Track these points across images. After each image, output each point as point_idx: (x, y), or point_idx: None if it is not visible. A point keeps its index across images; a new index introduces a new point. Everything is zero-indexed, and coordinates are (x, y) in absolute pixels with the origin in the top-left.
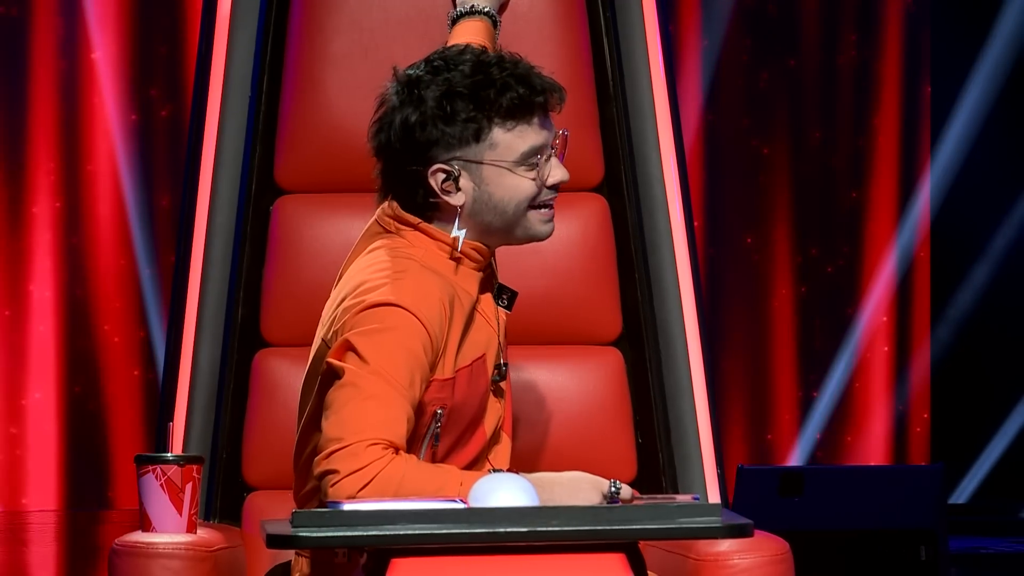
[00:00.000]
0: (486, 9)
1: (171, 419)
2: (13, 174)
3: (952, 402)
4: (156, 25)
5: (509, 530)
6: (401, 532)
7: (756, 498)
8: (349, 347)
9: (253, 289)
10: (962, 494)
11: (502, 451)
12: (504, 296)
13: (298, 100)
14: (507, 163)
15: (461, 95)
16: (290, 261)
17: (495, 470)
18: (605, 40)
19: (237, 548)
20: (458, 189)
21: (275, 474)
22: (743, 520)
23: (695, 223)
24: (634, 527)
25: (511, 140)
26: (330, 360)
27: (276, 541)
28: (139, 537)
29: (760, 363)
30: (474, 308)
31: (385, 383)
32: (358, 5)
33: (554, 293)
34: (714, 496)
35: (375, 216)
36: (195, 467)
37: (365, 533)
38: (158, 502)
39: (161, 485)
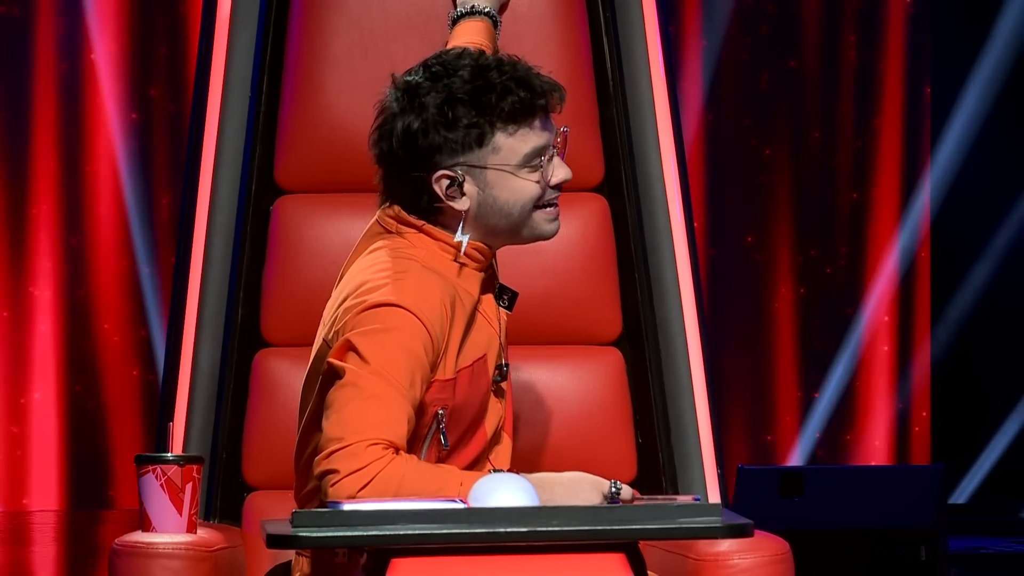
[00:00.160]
0: (486, 9)
1: (171, 419)
2: (14, 174)
3: (952, 402)
4: (156, 25)
5: (509, 530)
6: (401, 532)
7: (756, 498)
8: (350, 347)
9: (253, 289)
10: (962, 494)
11: (503, 451)
12: (505, 296)
13: (298, 100)
14: (510, 166)
15: (462, 101)
16: (290, 261)
17: (495, 470)
18: (605, 40)
19: (237, 548)
20: (462, 194)
21: (275, 474)
22: (743, 520)
23: (695, 223)
24: (634, 527)
25: (514, 143)
26: (331, 360)
27: (276, 541)
28: (139, 537)
29: (760, 363)
30: (475, 308)
31: (386, 383)
32: (358, 5)
33: (554, 293)
34: (714, 496)
35: (376, 216)
36: (195, 467)
37: (365, 533)
38: (158, 502)
39: (161, 485)
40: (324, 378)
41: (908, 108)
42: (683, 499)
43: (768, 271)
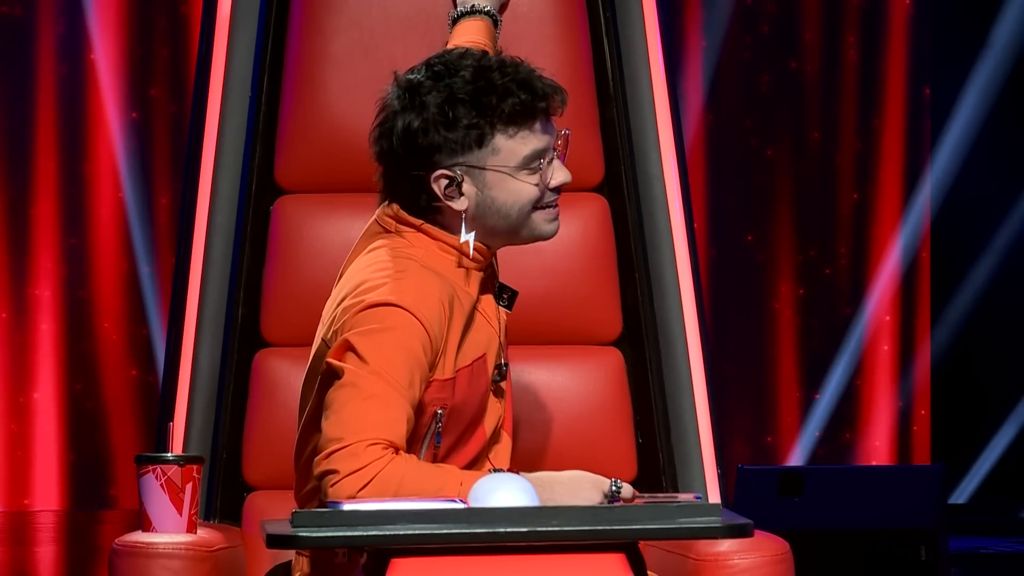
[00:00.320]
0: (487, 9)
1: (171, 419)
2: (14, 174)
3: (952, 402)
4: (157, 25)
5: (509, 530)
6: (401, 532)
7: (756, 498)
8: (349, 347)
9: (253, 289)
10: (962, 494)
11: (502, 450)
12: (505, 296)
13: (298, 100)
14: (509, 168)
15: (463, 101)
16: (290, 261)
17: (495, 470)
18: (605, 40)
19: (237, 548)
20: (461, 194)
21: (275, 474)
22: (743, 520)
23: (695, 223)
24: (634, 527)
25: (513, 146)
26: (330, 360)
27: (276, 541)
28: (139, 537)
29: (760, 363)
30: (474, 308)
31: (385, 383)
32: (358, 5)
33: (554, 293)
34: (714, 496)
35: (375, 216)
36: (195, 467)
37: (365, 533)
38: (158, 502)
39: (161, 485)
40: (323, 378)
41: (908, 108)
42: (684, 497)
43: (768, 271)
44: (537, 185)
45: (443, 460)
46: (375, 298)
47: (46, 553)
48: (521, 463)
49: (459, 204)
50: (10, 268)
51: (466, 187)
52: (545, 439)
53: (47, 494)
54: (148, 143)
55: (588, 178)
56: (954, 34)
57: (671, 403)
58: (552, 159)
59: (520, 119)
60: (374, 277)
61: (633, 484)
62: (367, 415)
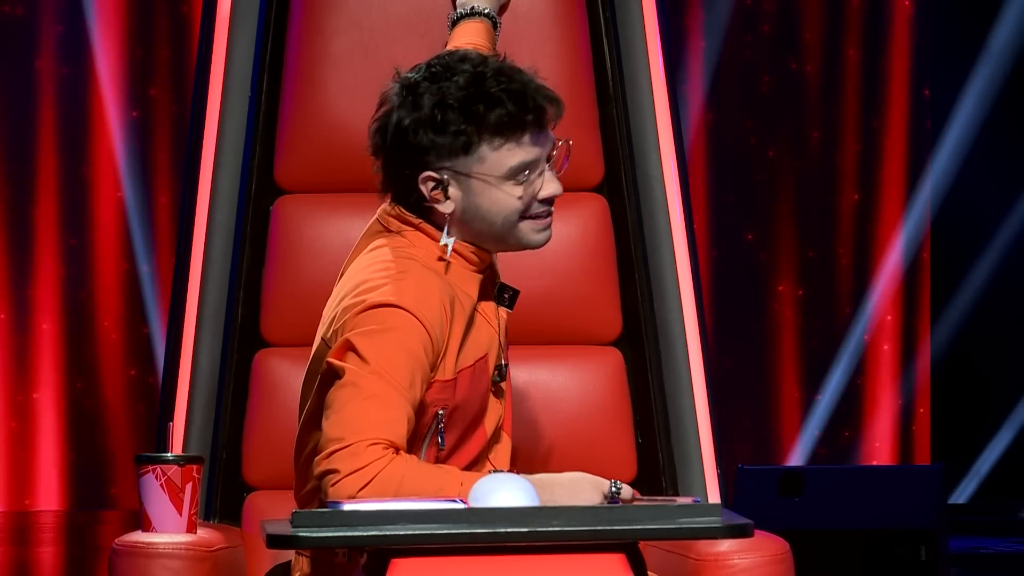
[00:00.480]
0: (486, 10)
1: (171, 419)
2: (15, 174)
3: (952, 402)
4: (157, 25)
5: (509, 530)
6: (401, 532)
7: (756, 498)
8: (349, 347)
9: (253, 289)
10: (962, 494)
11: (502, 450)
12: (506, 295)
13: (298, 100)
14: (493, 178)
15: (452, 107)
16: (290, 261)
17: (496, 470)
18: (605, 40)
19: (237, 548)
20: (447, 197)
21: (275, 474)
22: (743, 520)
23: (696, 223)
24: (634, 527)
25: (499, 156)
26: (330, 360)
27: (276, 541)
28: (139, 537)
29: (760, 363)
30: (475, 309)
31: (385, 383)
32: (358, 5)
33: (554, 293)
34: (714, 496)
35: (377, 214)
36: (195, 467)
37: (365, 533)
38: (158, 502)
39: (161, 485)
40: (323, 378)
41: (908, 109)
42: (683, 500)
43: (769, 271)
44: (522, 197)
45: (444, 460)
46: (376, 299)
47: (46, 553)
48: (521, 463)
49: (445, 207)
50: (10, 268)
51: (452, 191)
52: (545, 439)
53: (47, 494)
54: (148, 143)
55: (588, 178)
56: (954, 35)
57: (671, 403)
58: (543, 171)
59: (507, 131)
60: (374, 277)
61: (633, 484)
62: (368, 415)
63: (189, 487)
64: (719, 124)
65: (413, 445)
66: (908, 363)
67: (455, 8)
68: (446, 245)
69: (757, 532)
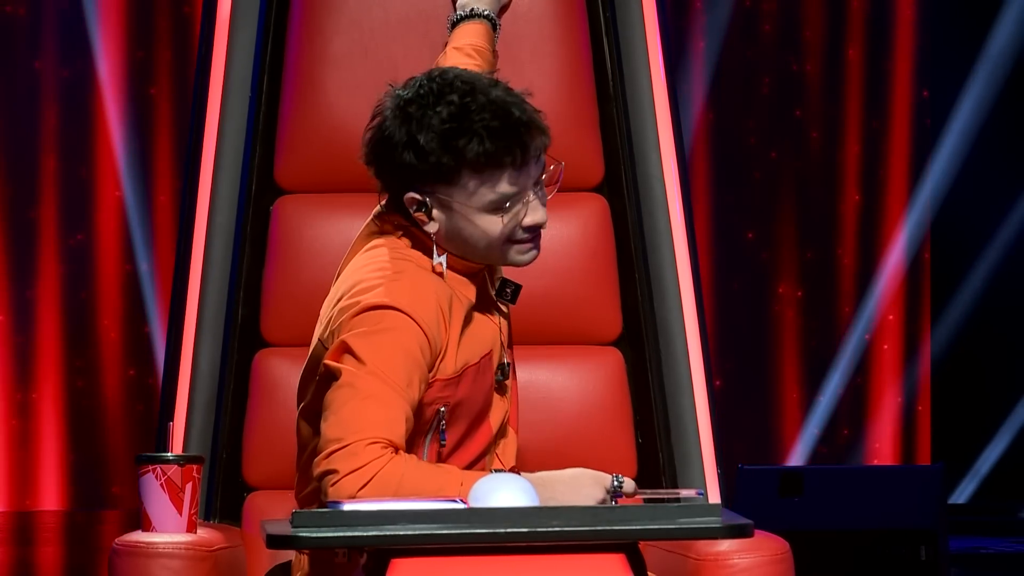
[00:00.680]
0: (486, 12)
1: (171, 419)
2: (15, 174)
3: (953, 401)
4: (158, 25)
5: (509, 530)
6: (401, 532)
7: (756, 498)
8: (346, 349)
9: (253, 289)
10: (962, 494)
11: (509, 445)
12: (508, 290)
13: (298, 100)
14: (474, 208)
15: (434, 138)
16: (290, 261)
17: (496, 470)
18: (605, 40)
19: (237, 548)
20: (431, 218)
21: (275, 474)
22: (743, 520)
23: (696, 223)
24: (634, 527)
25: (480, 188)
26: (327, 362)
27: (276, 541)
28: (139, 537)
29: (761, 363)
30: (473, 308)
31: (383, 383)
32: (358, 5)
33: (554, 293)
34: (714, 496)
35: (373, 214)
36: (195, 467)
37: (365, 533)
38: (158, 502)
39: (161, 485)
40: (321, 379)
41: (908, 110)
42: (687, 493)
43: (769, 271)
44: (504, 226)
45: (448, 456)
46: (371, 300)
47: (47, 553)
48: (521, 463)
49: (430, 227)
50: (10, 268)
51: (436, 213)
52: (545, 439)
53: (48, 494)
54: (148, 143)
55: (588, 178)
56: (955, 36)
57: (671, 403)
58: (527, 200)
59: (486, 168)
60: (370, 278)
61: None
62: (366, 415)
63: (189, 487)
64: (719, 124)
65: (415, 441)
66: (908, 363)
67: (455, 9)
68: (440, 263)
69: (757, 532)
